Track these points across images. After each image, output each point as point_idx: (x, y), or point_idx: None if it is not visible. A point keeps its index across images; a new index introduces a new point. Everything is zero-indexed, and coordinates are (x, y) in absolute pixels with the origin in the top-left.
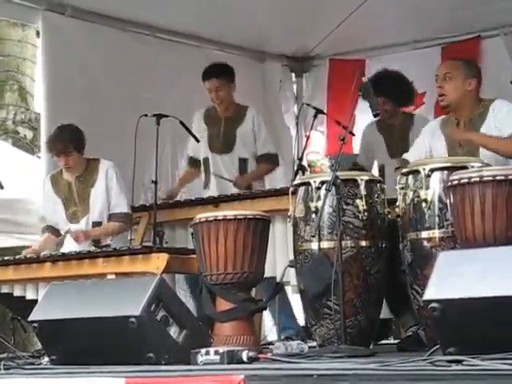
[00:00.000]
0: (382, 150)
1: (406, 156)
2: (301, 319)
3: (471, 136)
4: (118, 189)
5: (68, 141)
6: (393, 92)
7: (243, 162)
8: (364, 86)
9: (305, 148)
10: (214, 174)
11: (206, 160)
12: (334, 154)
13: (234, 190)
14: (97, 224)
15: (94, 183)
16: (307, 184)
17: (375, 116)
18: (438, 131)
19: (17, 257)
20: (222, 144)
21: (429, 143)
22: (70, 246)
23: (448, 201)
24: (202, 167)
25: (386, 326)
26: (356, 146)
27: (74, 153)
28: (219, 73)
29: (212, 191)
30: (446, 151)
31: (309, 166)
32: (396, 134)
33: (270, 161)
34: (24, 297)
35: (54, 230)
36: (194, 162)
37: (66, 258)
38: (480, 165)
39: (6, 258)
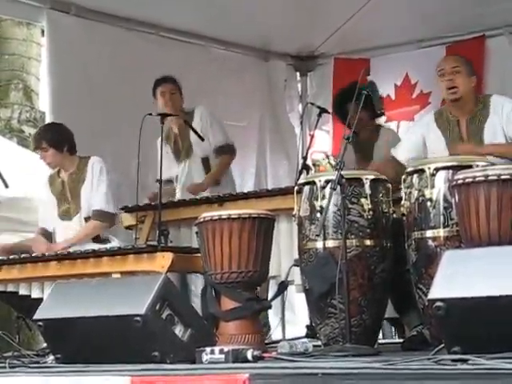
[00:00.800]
0: (351, 159)
1: (394, 151)
2: (305, 318)
3: (480, 150)
4: (98, 184)
5: (42, 137)
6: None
7: (206, 161)
8: (368, 86)
9: (309, 147)
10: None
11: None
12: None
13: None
14: (89, 219)
15: (83, 180)
16: (312, 183)
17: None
18: (433, 124)
19: (22, 256)
20: (182, 151)
21: (422, 134)
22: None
23: (453, 200)
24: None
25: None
26: None
27: (50, 149)
28: (172, 80)
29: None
30: (442, 144)
31: (313, 165)
32: (362, 148)
33: (223, 153)
34: (29, 295)
35: (45, 233)
36: (166, 183)
37: (72, 256)
38: (485, 164)
39: (11, 256)
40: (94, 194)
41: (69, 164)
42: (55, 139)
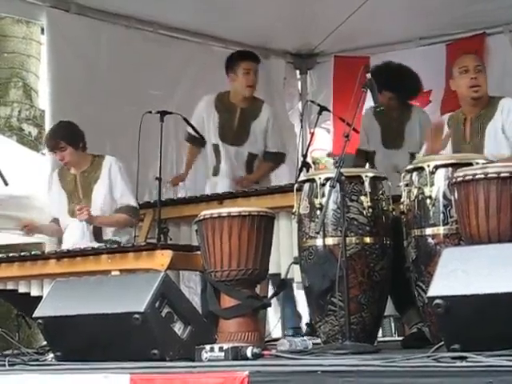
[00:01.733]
0: (376, 137)
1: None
2: (305, 316)
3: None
4: (124, 183)
5: (59, 137)
6: (399, 87)
7: (252, 158)
8: (368, 84)
9: (309, 145)
10: None
11: (217, 147)
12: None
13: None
14: None
15: (96, 179)
16: (312, 181)
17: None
18: (446, 128)
19: (22, 253)
20: (234, 135)
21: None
22: (69, 240)
23: (452, 197)
24: (213, 153)
25: None
26: None
27: (69, 148)
28: (257, 59)
29: (222, 177)
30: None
31: (313, 163)
32: (393, 126)
33: (275, 160)
34: (29, 293)
35: (58, 223)
36: (194, 139)
37: (71, 254)
38: (484, 162)
39: (10, 254)
40: (125, 191)
41: (82, 161)
42: (71, 136)
